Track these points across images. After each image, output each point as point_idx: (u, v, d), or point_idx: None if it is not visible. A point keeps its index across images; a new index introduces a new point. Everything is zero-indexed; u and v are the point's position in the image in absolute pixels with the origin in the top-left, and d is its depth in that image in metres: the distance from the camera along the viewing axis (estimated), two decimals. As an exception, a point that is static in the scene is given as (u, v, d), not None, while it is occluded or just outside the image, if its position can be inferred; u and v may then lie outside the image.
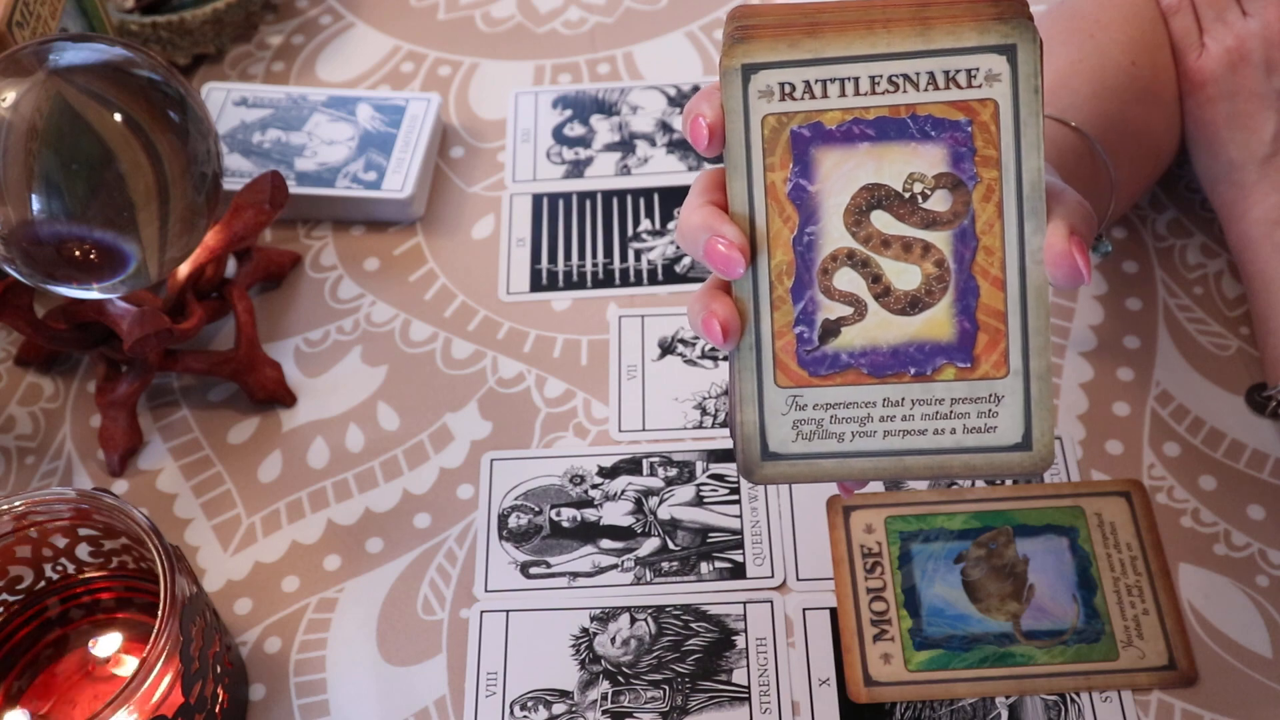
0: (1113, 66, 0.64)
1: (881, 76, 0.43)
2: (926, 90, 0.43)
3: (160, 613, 0.50)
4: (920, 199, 0.44)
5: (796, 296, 0.45)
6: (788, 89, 0.44)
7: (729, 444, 0.65)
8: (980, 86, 0.43)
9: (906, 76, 0.43)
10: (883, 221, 0.44)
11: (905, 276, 0.45)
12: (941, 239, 0.44)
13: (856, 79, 0.44)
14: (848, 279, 0.45)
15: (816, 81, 0.44)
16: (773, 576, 0.61)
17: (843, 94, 0.44)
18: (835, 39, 0.43)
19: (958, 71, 0.43)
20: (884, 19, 0.43)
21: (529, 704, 0.57)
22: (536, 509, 0.64)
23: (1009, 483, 0.63)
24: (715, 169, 0.46)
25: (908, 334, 0.45)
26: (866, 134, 0.44)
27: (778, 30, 0.44)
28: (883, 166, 0.44)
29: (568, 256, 0.74)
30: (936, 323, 0.45)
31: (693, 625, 0.59)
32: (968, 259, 0.44)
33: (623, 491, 0.64)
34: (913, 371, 0.45)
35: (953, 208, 0.44)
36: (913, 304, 0.45)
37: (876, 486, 0.63)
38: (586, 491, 0.64)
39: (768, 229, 0.45)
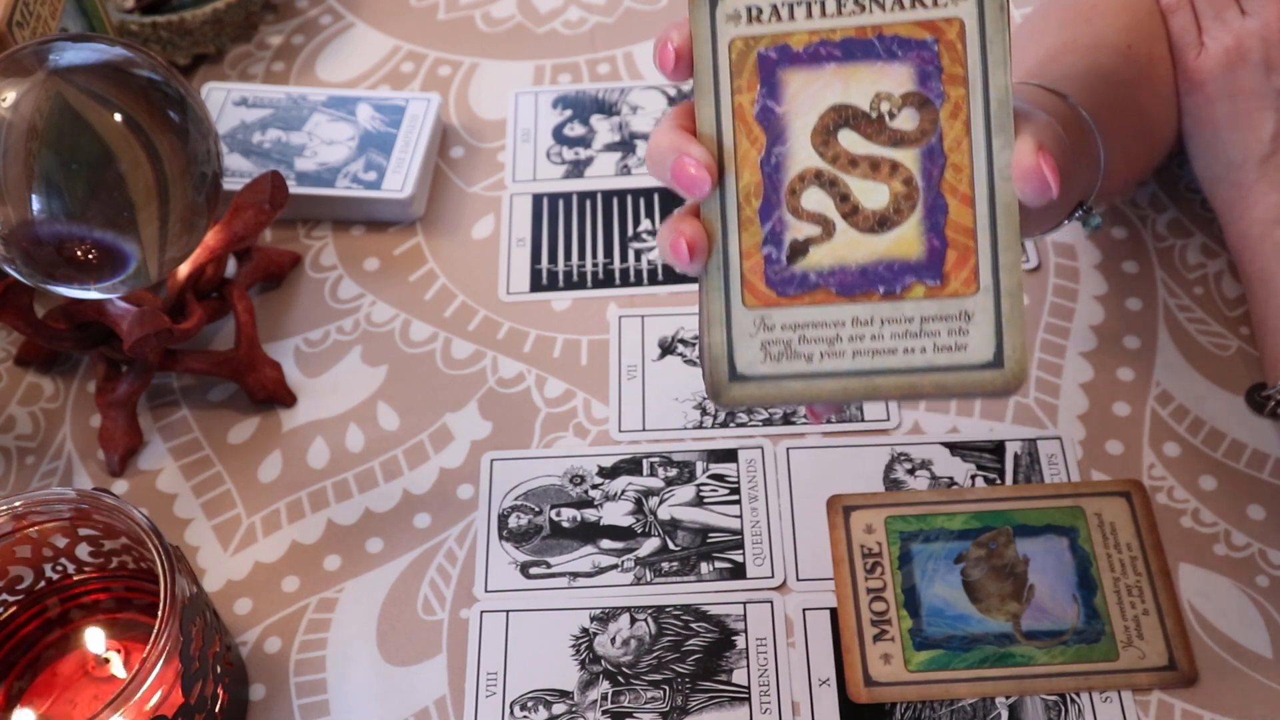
0: (1108, 47, 0.63)
1: None
2: (892, 10, 0.44)
3: (160, 613, 0.50)
4: (888, 118, 0.44)
5: (764, 217, 0.45)
6: (755, 12, 0.44)
7: (729, 444, 0.65)
8: (946, 5, 0.43)
9: None
10: (850, 141, 0.45)
11: (873, 195, 0.45)
12: (909, 157, 0.44)
13: (823, 1, 0.44)
14: (816, 199, 0.45)
15: (783, 4, 0.44)
16: (773, 576, 0.61)
17: (809, 16, 0.44)
18: None
19: None
20: None
21: (529, 704, 0.58)
22: (536, 509, 0.64)
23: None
24: (687, 102, 0.46)
25: (876, 253, 0.45)
26: (833, 55, 0.44)
27: None
28: (850, 87, 0.44)
29: (568, 256, 0.74)
30: (905, 241, 0.45)
31: (693, 625, 0.59)
32: (936, 176, 0.44)
33: (623, 491, 0.64)
34: (882, 290, 0.45)
35: (920, 126, 0.44)
36: (881, 222, 0.45)
37: (876, 486, 0.63)
38: (586, 491, 0.64)
39: (735, 150, 0.45)
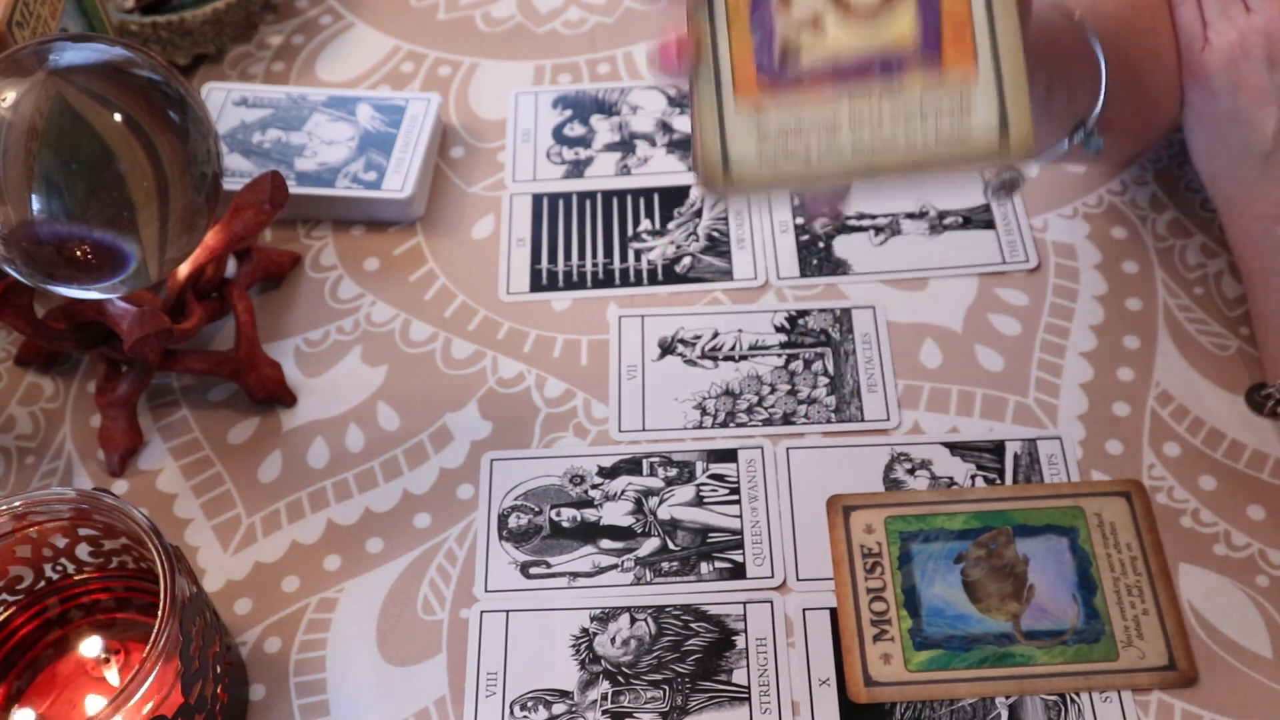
0: (1113, 4, 0.63)
1: None
2: None
3: (160, 613, 0.50)
4: None
5: (755, 16, 0.45)
6: None
7: (729, 444, 0.65)
8: None
9: None
10: None
11: None
12: None
13: None
14: None
15: None
16: (773, 576, 0.61)
17: None
18: None
19: None
20: None
21: (529, 704, 0.57)
22: (536, 509, 0.64)
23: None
24: None
25: (871, 43, 0.44)
26: None
27: None
28: None
29: (568, 256, 0.74)
30: (899, 28, 0.44)
31: (693, 625, 0.59)
32: None
33: (623, 491, 0.64)
34: (879, 78, 0.44)
35: None
36: (873, 15, 0.44)
37: (876, 486, 0.63)
38: (586, 491, 0.64)
39: None
